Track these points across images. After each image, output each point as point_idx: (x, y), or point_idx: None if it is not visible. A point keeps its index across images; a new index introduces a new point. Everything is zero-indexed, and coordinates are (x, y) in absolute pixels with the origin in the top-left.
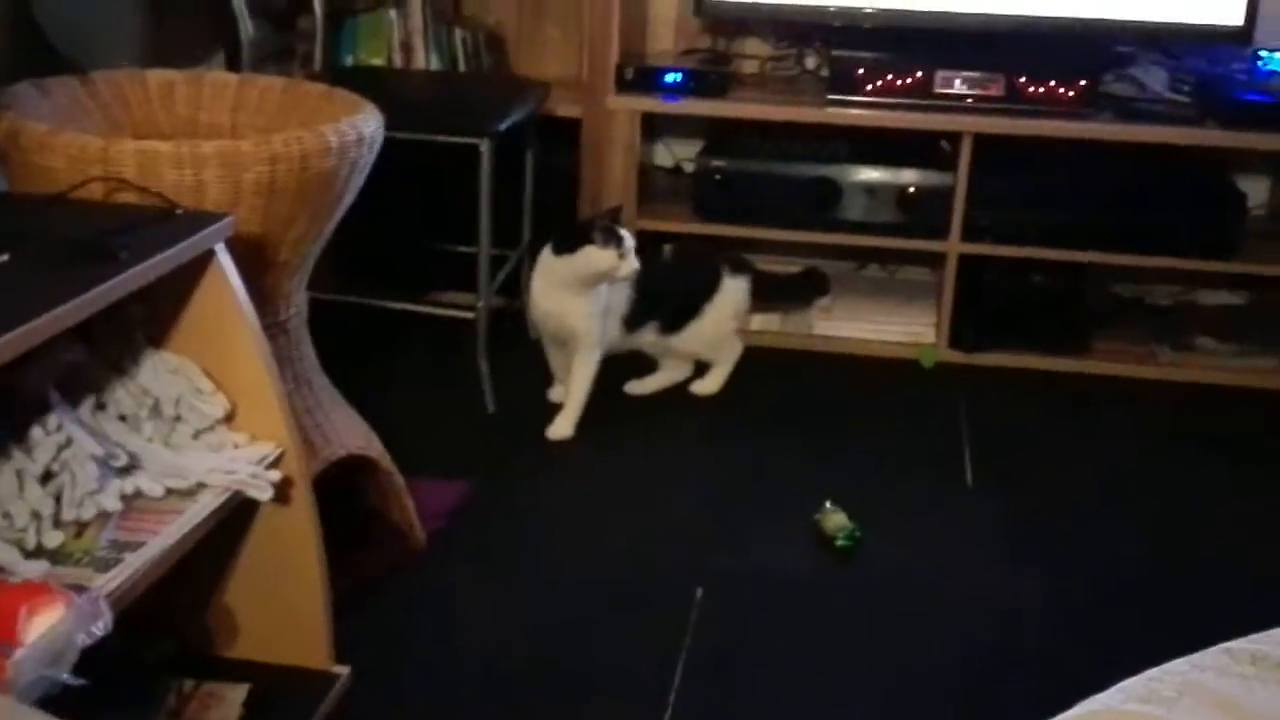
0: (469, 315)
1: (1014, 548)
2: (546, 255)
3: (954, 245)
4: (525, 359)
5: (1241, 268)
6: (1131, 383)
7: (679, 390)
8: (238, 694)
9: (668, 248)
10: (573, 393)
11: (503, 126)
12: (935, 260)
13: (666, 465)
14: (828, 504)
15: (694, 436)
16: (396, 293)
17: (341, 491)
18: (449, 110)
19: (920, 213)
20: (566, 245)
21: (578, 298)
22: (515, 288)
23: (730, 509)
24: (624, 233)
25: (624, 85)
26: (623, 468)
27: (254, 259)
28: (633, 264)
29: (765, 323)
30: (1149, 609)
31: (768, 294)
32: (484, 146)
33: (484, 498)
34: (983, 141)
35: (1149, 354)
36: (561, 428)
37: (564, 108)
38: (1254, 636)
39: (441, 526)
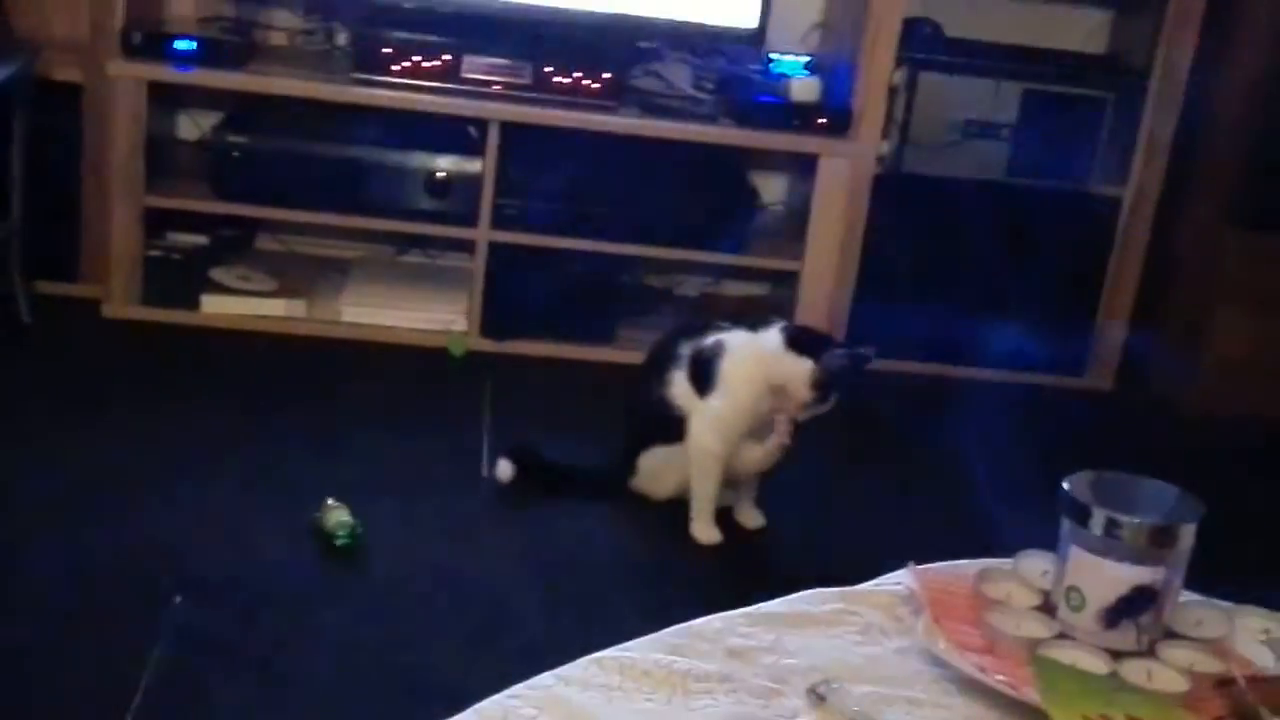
0: None
1: (515, 540)
2: (758, 336)
3: (483, 233)
4: (16, 353)
5: (753, 261)
6: None
7: (180, 385)
8: None
9: None
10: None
11: None
12: (473, 247)
13: (152, 462)
14: (330, 500)
15: (192, 430)
16: None
17: None
18: None
19: (451, 199)
20: (798, 344)
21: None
22: (3, 268)
23: (224, 509)
24: (831, 394)
25: (131, 51)
26: (99, 464)
27: None
28: (799, 415)
29: (290, 309)
30: (637, 590)
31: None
32: None
33: None
34: (510, 130)
35: None
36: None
37: (65, 71)
38: (628, 644)
39: None
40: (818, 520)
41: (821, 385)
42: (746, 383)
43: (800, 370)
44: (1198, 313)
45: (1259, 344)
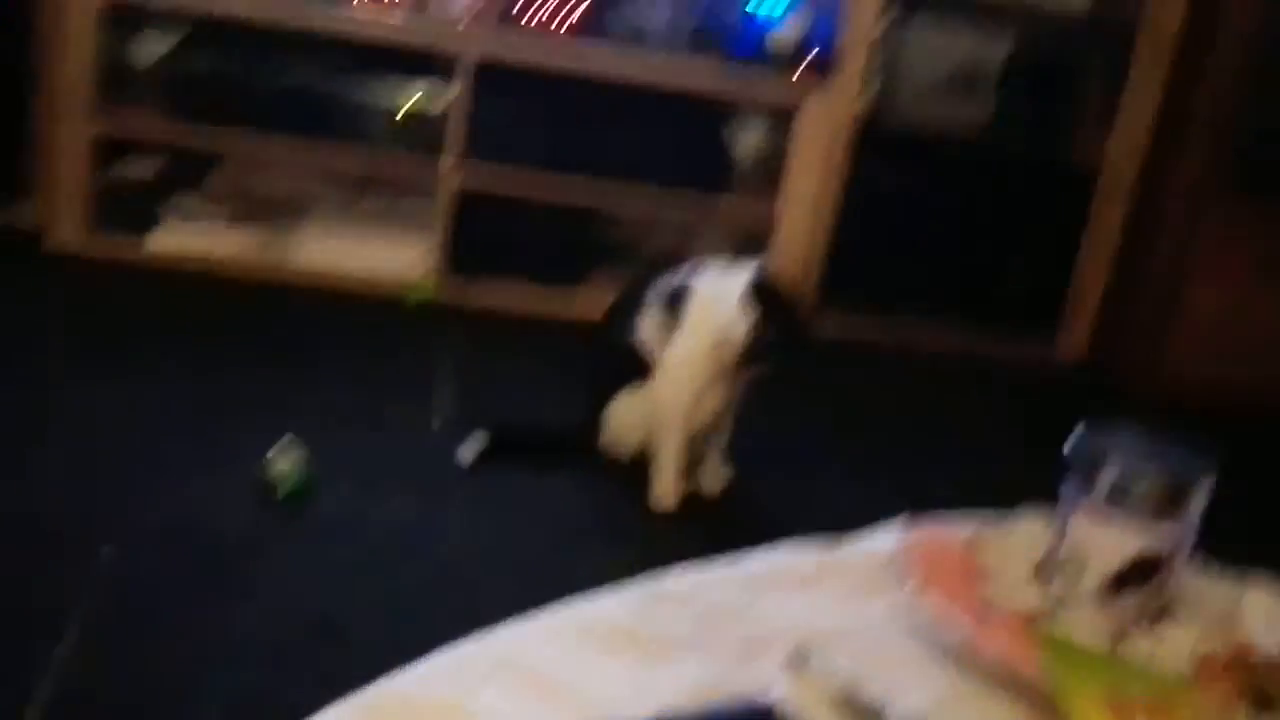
0: None
1: (469, 492)
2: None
3: (449, 172)
4: None
5: (727, 210)
6: None
7: (125, 325)
8: None
9: None
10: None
11: None
12: (435, 189)
13: (94, 407)
14: (279, 448)
15: (136, 374)
16: None
17: None
18: None
19: (415, 135)
20: (756, 298)
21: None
22: None
23: (169, 457)
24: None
25: None
26: (37, 408)
27: None
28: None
29: (243, 246)
30: (599, 546)
31: None
32: None
33: None
34: (481, 64)
35: None
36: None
37: None
38: (590, 603)
39: None
40: (786, 485)
41: (749, 352)
42: (705, 328)
43: (740, 328)
44: (1176, 280)
45: (1236, 312)
